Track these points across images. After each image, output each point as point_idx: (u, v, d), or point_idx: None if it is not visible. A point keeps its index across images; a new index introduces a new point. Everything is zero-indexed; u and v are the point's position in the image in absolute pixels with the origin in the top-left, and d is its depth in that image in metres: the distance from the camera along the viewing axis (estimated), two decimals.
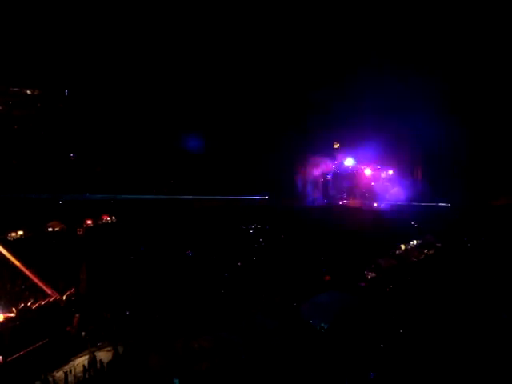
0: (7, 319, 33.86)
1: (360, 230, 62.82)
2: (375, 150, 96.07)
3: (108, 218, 77.46)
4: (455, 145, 75.94)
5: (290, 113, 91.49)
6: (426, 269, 50.22)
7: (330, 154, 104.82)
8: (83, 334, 32.55)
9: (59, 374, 27.68)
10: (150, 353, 29.99)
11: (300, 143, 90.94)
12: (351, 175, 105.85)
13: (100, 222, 75.10)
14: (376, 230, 63.55)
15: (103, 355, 29.31)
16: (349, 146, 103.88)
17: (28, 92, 75.48)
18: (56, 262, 43.26)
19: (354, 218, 77.51)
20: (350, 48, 79.48)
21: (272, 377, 26.72)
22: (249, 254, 57.69)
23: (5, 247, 39.68)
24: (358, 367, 27.26)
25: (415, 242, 61.51)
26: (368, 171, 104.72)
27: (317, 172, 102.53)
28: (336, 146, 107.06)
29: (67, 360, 29.31)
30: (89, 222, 72.22)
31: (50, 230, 67.86)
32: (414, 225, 68.43)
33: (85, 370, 27.93)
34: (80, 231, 58.45)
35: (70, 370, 27.87)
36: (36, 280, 39.00)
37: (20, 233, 62.67)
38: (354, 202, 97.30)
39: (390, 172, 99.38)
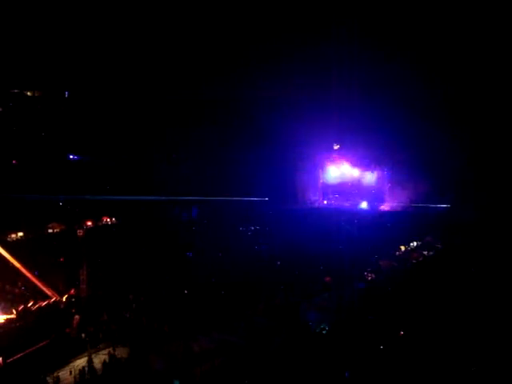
0: (7, 320, 33.83)
1: (360, 232, 62.84)
2: (375, 151, 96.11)
3: (108, 220, 77.53)
4: (456, 144, 75.89)
5: (290, 114, 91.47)
6: (426, 270, 50.20)
7: (330, 155, 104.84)
8: (83, 335, 32.56)
9: (59, 376, 27.70)
10: (150, 354, 30.01)
11: (300, 144, 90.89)
12: (351, 177, 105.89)
13: (100, 224, 75.15)
14: (376, 231, 63.57)
15: (103, 357, 29.30)
16: (349, 147, 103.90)
17: (28, 93, 75.63)
18: (56, 264, 43.27)
19: (353, 220, 77.55)
20: (350, 48, 79.45)
21: (272, 378, 26.71)
22: (248, 255, 57.71)
23: (5, 248, 39.69)
24: (357, 368, 27.25)
25: (415, 243, 61.57)
26: (368, 173, 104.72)
27: (317, 173, 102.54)
28: (336, 147, 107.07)
29: (67, 361, 29.33)
30: (89, 223, 72.24)
31: (50, 231, 67.92)
32: (413, 226, 68.43)
33: (84, 371, 27.92)
34: (80, 232, 58.36)
35: (70, 372, 27.86)
36: (36, 281, 39.01)
37: (20, 234, 62.71)
38: (354, 204, 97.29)
39: (390, 173, 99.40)
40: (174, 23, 69.23)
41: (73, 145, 74.65)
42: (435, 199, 79.13)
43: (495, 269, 45.52)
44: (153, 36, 70.08)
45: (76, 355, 30.06)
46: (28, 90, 74.66)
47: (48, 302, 37.80)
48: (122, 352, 30.63)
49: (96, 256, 45.82)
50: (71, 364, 29.05)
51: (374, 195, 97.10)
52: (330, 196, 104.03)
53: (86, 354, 30.14)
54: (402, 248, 59.36)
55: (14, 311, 35.46)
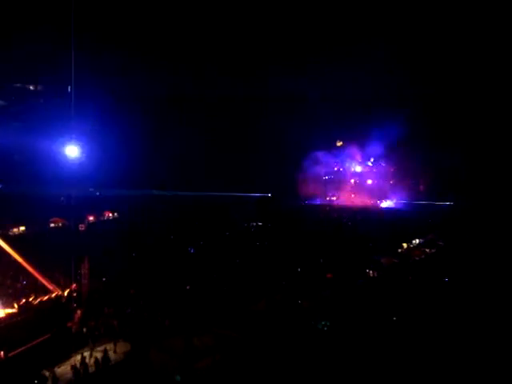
0: (8, 315, 33.86)
1: (362, 229, 62.81)
2: (378, 148, 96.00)
3: (110, 214, 77.69)
4: (457, 144, 75.79)
5: (293, 110, 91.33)
6: (427, 268, 50.06)
7: (333, 151, 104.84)
8: (84, 329, 32.58)
9: (60, 370, 27.75)
10: (151, 350, 30.03)
11: (302, 141, 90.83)
12: (353, 173, 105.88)
13: (102, 218, 75.33)
14: (378, 228, 63.49)
15: (104, 351, 29.30)
16: (352, 144, 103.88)
17: (31, 88, 75.46)
18: (58, 258, 43.22)
19: (355, 216, 77.56)
20: (350, 48, 79.31)
21: (274, 374, 26.68)
22: (250, 251, 57.71)
23: (6, 242, 39.68)
24: (357, 366, 27.21)
25: (417, 240, 61.39)
26: (370, 170, 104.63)
27: (319, 170, 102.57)
28: (339, 144, 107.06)
29: (68, 356, 29.37)
30: (91, 217, 72.41)
31: (52, 225, 68.08)
32: (416, 223, 68.31)
33: (85, 365, 27.93)
34: (82, 227, 58.65)
35: (71, 366, 27.88)
36: (37, 275, 39.02)
37: (22, 228, 62.85)
38: (356, 201, 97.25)
39: (393, 170, 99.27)
40: (174, 23, 69.24)
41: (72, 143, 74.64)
42: (438, 197, 79.06)
43: (496, 267, 45.33)
44: (153, 35, 70.03)
45: (77, 349, 30.09)
46: (31, 84, 74.51)
47: (49, 297, 37.80)
48: (123, 347, 30.65)
49: (98, 250, 45.81)
50: (72, 358, 29.09)
51: (377, 192, 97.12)
52: (333, 192, 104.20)
53: (87, 349, 30.20)
54: (404, 245, 59.20)
55: (16, 305, 35.50)
